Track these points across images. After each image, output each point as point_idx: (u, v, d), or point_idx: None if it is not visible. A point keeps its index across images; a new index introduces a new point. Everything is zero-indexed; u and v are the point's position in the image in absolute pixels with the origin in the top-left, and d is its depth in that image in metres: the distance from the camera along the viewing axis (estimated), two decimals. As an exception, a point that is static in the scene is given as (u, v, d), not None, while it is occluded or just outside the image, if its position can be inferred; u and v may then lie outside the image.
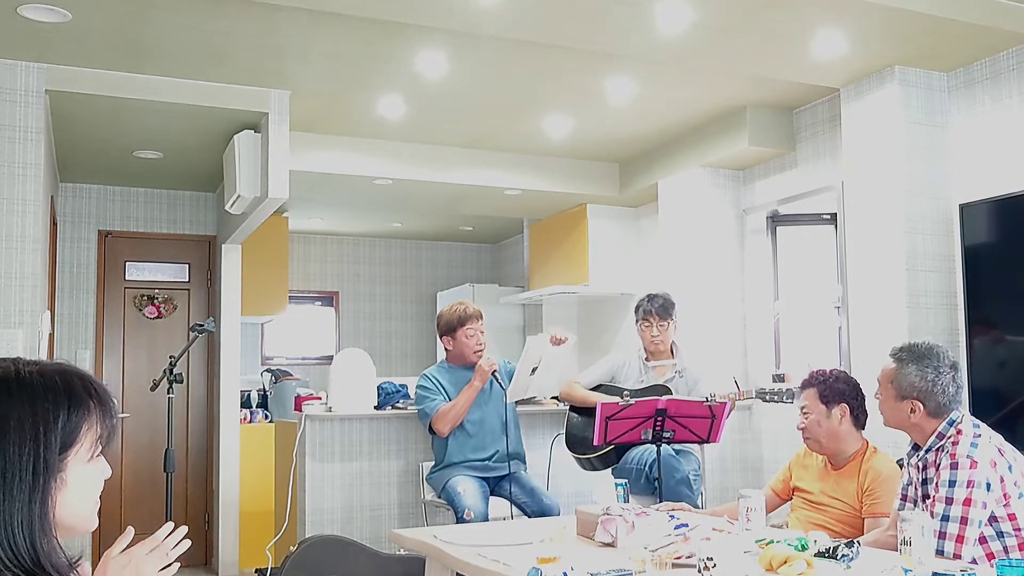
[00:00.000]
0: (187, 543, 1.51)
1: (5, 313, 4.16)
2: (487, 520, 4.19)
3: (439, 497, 4.47)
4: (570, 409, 4.70)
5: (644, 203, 6.60)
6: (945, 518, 2.50)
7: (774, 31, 3.93)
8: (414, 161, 5.87)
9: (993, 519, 2.52)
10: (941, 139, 4.45)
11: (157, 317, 6.55)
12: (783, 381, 5.25)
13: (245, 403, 6.70)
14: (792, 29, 3.92)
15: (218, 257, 6.45)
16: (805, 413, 3.29)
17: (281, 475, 5.15)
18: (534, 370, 4.50)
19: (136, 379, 6.34)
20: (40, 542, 1.25)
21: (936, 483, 2.60)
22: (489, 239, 9.06)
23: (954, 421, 2.66)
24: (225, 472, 6.22)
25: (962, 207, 4.27)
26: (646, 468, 4.32)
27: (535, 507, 4.34)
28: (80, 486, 1.33)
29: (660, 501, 3.98)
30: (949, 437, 2.64)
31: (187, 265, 6.67)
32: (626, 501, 3.24)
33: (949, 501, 2.51)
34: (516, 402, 4.63)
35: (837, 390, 3.27)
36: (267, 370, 7.25)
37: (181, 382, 4.56)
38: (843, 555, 2.36)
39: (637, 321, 4.67)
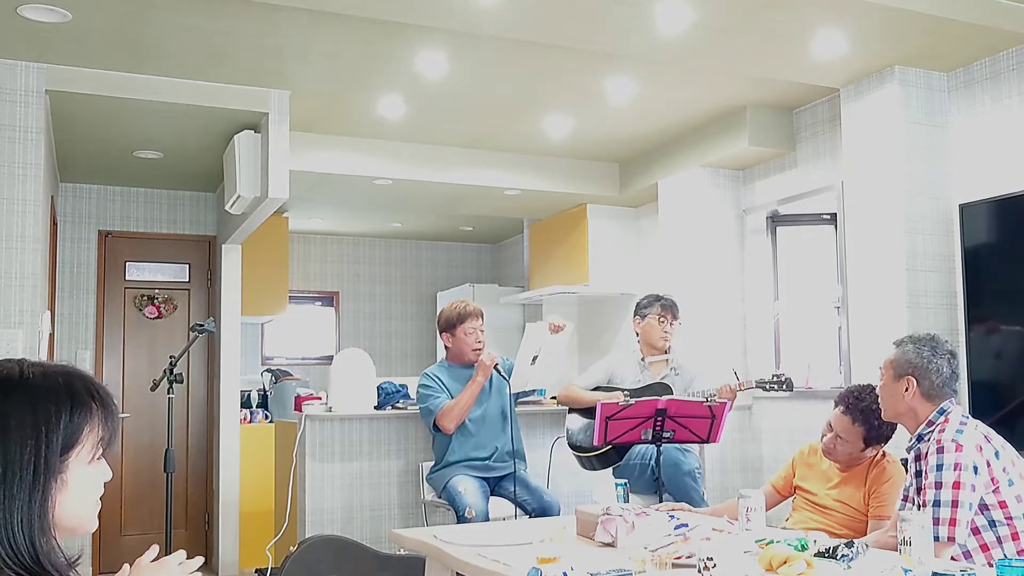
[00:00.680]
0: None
1: (5, 313, 4.16)
2: (488, 519, 4.20)
3: (439, 497, 4.47)
4: (570, 410, 4.71)
5: (644, 203, 6.60)
6: (936, 503, 2.51)
7: (774, 31, 3.93)
8: (414, 161, 5.87)
9: (984, 507, 2.52)
10: (941, 139, 4.45)
11: (157, 317, 6.55)
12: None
13: (245, 403, 6.70)
14: (792, 29, 3.92)
15: (218, 257, 6.45)
16: (840, 440, 3.19)
17: (281, 475, 5.15)
18: (535, 359, 4.50)
19: (136, 379, 6.34)
20: (39, 541, 1.26)
21: (925, 471, 2.61)
22: (489, 239, 9.06)
23: (944, 411, 2.68)
24: (225, 472, 6.22)
25: (962, 207, 4.27)
26: (651, 463, 4.31)
27: (536, 504, 4.34)
28: (80, 488, 1.33)
29: (660, 500, 3.98)
30: (937, 425, 2.66)
31: (187, 265, 6.67)
32: (626, 501, 3.25)
33: (939, 485, 2.52)
34: (516, 400, 4.63)
35: (882, 435, 3.16)
36: (267, 370, 7.26)
37: (181, 382, 4.56)
38: (843, 555, 2.36)
39: (649, 316, 4.64)
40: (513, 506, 4.39)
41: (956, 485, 2.50)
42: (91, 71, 4.44)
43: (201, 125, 5.06)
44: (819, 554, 2.38)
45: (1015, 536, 2.51)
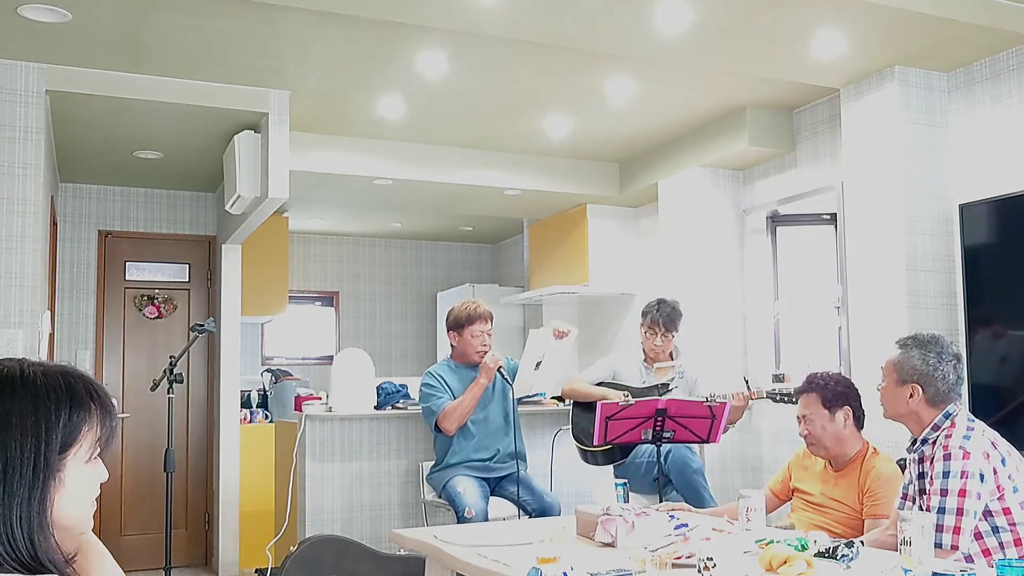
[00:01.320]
0: None
1: (5, 313, 4.16)
2: (487, 519, 4.20)
3: (439, 497, 4.47)
4: (574, 404, 4.70)
5: (644, 203, 6.60)
6: (941, 510, 2.50)
7: (774, 31, 3.93)
8: (414, 161, 5.87)
9: (988, 513, 2.52)
10: (941, 139, 4.45)
11: (157, 317, 6.55)
12: (783, 381, 5.26)
13: (245, 403, 6.70)
14: (792, 29, 3.92)
15: (218, 257, 6.45)
16: (808, 419, 3.26)
17: (281, 475, 5.15)
18: (538, 365, 4.49)
19: (136, 379, 6.34)
20: (38, 538, 1.26)
21: (931, 476, 2.60)
22: (489, 239, 9.06)
23: (950, 414, 2.67)
24: (225, 472, 6.22)
25: (962, 207, 4.27)
26: (658, 460, 4.30)
27: (536, 505, 4.34)
28: (77, 487, 1.34)
29: (661, 500, 3.99)
30: (943, 430, 2.65)
31: (187, 265, 6.67)
32: (626, 501, 3.25)
33: (944, 492, 2.52)
34: (519, 401, 4.63)
35: (839, 393, 3.25)
36: (267, 370, 7.26)
37: (181, 382, 4.57)
38: (843, 555, 2.36)
39: (642, 325, 4.67)
40: (513, 506, 4.39)
41: (962, 493, 2.49)
42: (91, 71, 4.44)
43: (201, 125, 5.06)
44: (819, 554, 2.38)
45: (1018, 542, 2.51)
